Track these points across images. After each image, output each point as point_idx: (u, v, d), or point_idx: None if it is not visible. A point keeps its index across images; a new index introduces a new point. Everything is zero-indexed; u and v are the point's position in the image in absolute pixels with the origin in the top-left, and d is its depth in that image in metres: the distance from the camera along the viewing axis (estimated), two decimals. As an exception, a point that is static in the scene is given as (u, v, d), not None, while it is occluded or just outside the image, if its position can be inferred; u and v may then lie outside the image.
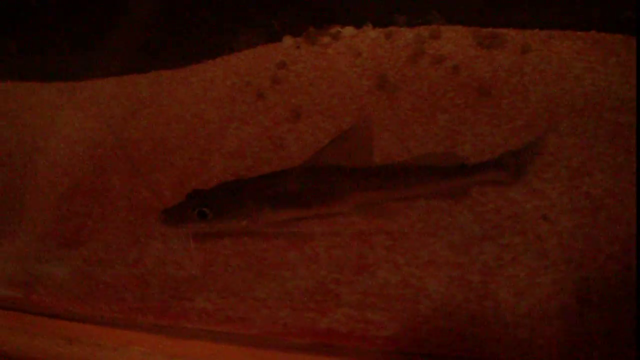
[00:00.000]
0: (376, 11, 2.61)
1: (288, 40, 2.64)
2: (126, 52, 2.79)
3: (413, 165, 1.80)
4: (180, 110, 2.51)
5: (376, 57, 2.47)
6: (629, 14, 2.23)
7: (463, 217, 1.80)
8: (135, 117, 2.56)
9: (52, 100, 2.74)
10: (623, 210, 1.72)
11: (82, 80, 2.77)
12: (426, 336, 1.55)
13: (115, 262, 2.06)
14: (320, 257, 1.80)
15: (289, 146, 2.25)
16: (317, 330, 1.63)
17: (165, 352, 1.68)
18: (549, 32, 2.42)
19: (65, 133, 2.57)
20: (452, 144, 2.08)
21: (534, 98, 2.18)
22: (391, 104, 2.28)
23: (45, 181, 2.42)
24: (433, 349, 1.52)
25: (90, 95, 2.70)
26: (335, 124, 2.26)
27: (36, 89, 2.82)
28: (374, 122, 2.22)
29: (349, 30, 2.59)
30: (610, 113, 2.03)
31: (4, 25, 2.88)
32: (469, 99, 2.24)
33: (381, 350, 1.56)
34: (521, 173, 1.81)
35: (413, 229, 1.78)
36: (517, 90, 2.21)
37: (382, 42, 2.53)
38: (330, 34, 2.59)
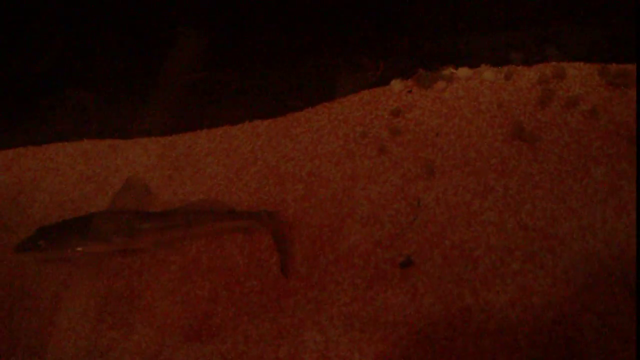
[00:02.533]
0: (489, 48, 2.40)
1: (397, 85, 2.41)
2: (214, 101, 2.55)
3: (194, 210, 2.15)
4: (292, 167, 2.26)
5: (502, 102, 2.25)
6: None
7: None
8: (241, 176, 2.30)
9: (138, 159, 2.47)
10: None
11: (170, 136, 2.51)
12: None
13: (263, 359, 1.83)
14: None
15: (431, 208, 2.03)
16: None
17: None
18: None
19: (165, 199, 2.28)
20: (618, 203, 1.90)
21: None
22: (535, 156, 2.07)
23: (154, 259, 2.14)
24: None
25: (183, 152, 2.41)
26: (479, 181, 2.04)
27: (119, 146, 2.55)
28: (521, 178, 2.04)
29: (463, 71, 2.37)
30: None
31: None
32: (620, 149, 2.03)
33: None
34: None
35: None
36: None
37: (503, 84, 2.31)
38: (444, 76, 2.38)
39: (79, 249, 2.14)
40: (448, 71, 2.39)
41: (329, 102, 2.45)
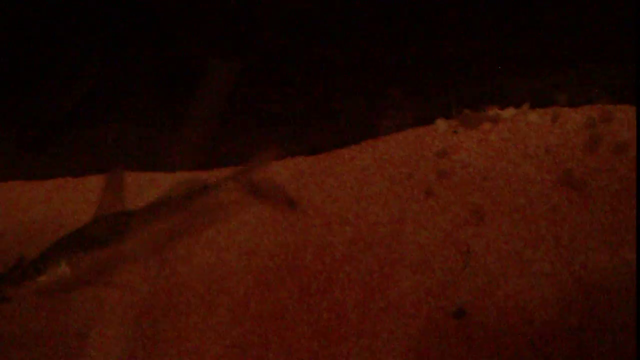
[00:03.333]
0: (533, 89, 2.39)
1: (442, 124, 2.39)
2: (254, 137, 2.53)
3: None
4: (339, 209, 2.24)
5: (549, 146, 2.24)
6: None
7: None
8: (286, 216, 2.27)
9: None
10: None
11: (211, 169, 2.49)
12: None
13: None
14: None
15: (481, 256, 2.02)
16: None
17: None
18: None
19: (209, 237, 2.27)
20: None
21: None
22: (586, 204, 2.06)
23: (202, 301, 2.14)
24: None
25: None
26: (530, 229, 2.02)
27: (159, 180, 2.53)
28: (572, 227, 2.03)
29: (509, 112, 2.36)
30: None
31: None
32: (672, 198, 2.05)
33: None
34: None
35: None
36: None
37: (549, 127, 2.30)
38: (489, 116, 2.36)
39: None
40: (493, 112, 2.37)
41: (373, 139, 2.44)
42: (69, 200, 2.49)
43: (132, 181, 2.51)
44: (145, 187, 2.47)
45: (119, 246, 2.14)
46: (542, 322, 1.80)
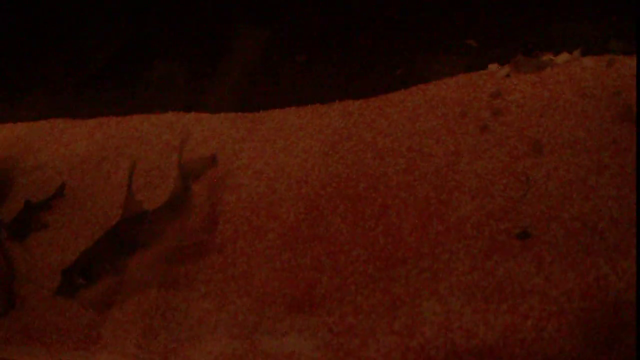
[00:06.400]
0: (588, 37, 2.33)
1: (494, 68, 2.32)
2: (305, 82, 2.46)
3: None
4: (391, 143, 2.15)
5: (606, 86, 2.14)
6: None
7: None
8: (337, 150, 2.18)
9: (227, 131, 2.37)
10: None
11: (258, 112, 2.42)
12: None
13: (376, 332, 1.66)
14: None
15: (542, 184, 1.91)
16: None
17: None
18: None
19: (257, 168, 2.19)
20: None
21: None
22: (648, 137, 1.99)
23: (250, 226, 2.03)
24: None
25: (273, 127, 2.31)
26: (592, 159, 1.91)
27: (204, 119, 2.45)
28: (635, 157, 1.94)
29: (563, 58, 2.28)
30: None
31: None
32: None
33: None
34: None
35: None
36: None
37: (605, 71, 2.20)
38: (543, 62, 2.29)
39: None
40: (547, 57, 2.30)
41: (424, 84, 2.36)
42: (112, 136, 2.40)
43: (177, 120, 2.44)
44: (191, 126, 2.39)
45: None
46: (615, 238, 1.68)
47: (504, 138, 2.07)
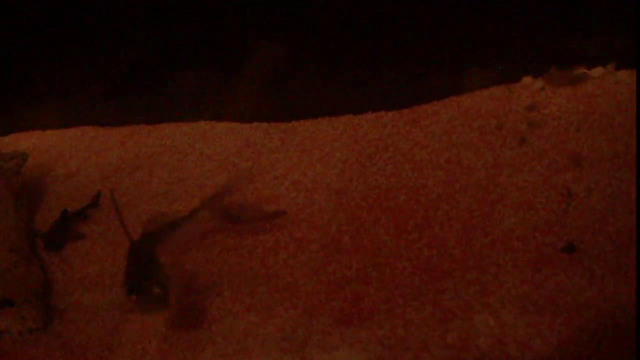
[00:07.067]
0: (622, 50, 2.35)
1: (528, 81, 2.34)
2: (335, 92, 2.45)
3: None
4: (428, 155, 2.14)
5: (641, 101, 2.19)
6: None
7: None
8: (374, 161, 2.17)
9: (260, 141, 2.35)
10: None
11: (289, 121, 2.40)
12: None
13: (429, 345, 1.64)
14: None
15: (583, 197, 1.91)
16: None
17: None
18: None
19: (295, 179, 2.18)
20: None
21: None
22: (689, 150, 2.00)
23: (291, 237, 2.01)
24: None
25: (307, 137, 2.30)
26: (632, 171, 1.95)
27: (236, 129, 2.43)
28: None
29: (597, 72, 2.30)
30: None
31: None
32: None
33: None
34: None
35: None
36: None
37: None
38: (576, 75, 2.31)
39: None
40: (581, 71, 2.31)
41: (457, 96, 2.37)
42: (144, 144, 2.37)
43: (210, 129, 2.42)
44: (224, 136, 2.37)
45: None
46: (664, 253, 1.69)
47: (543, 151, 2.07)
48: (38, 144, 2.62)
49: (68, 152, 2.51)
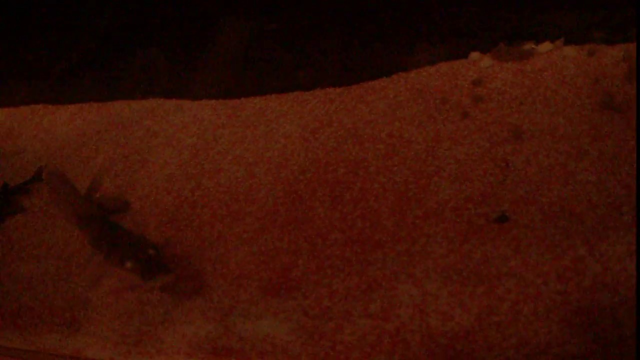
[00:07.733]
0: (571, 27, 2.30)
1: (476, 57, 2.30)
2: (287, 70, 2.42)
3: None
4: (371, 129, 2.12)
5: (587, 74, 2.13)
6: None
7: None
8: (317, 136, 2.15)
9: (207, 117, 2.33)
10: None
11: (239, 99, 2.37)
12: None
13: (351, 315, 1.63)
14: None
15: (521, 169, 1.88)
16: None
17: None
18: None
19: (237, 154, 2.15)
20: None
21: None
22: (629, 125, 1.94)
23: (228, 210, 1.99)
24: None
25: (254, 113, 2.28)
26: (572, 144, 1.89)
27: (185, 106, 2.41)
28: (616, 143, 1.91)
29: (544, 47, 2.27)
30: None
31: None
32: None
33: None
34: None
35: None
36: None
37: (586, 59, 2.19)
38: (524, 50, 2.27)
39: None
40: (528, 46, 2.27)
41: (405, 72, 2.33)
42: (93, 121, 2.35)
43: (158, 106, 2.39)
44: (172, 113, 2.35)
45: None
46: (593, 221, 1.65)
47: (484, 124, 2.04)
48: (-13, 122, 2.62)
49: (17, 130, 2.49)
